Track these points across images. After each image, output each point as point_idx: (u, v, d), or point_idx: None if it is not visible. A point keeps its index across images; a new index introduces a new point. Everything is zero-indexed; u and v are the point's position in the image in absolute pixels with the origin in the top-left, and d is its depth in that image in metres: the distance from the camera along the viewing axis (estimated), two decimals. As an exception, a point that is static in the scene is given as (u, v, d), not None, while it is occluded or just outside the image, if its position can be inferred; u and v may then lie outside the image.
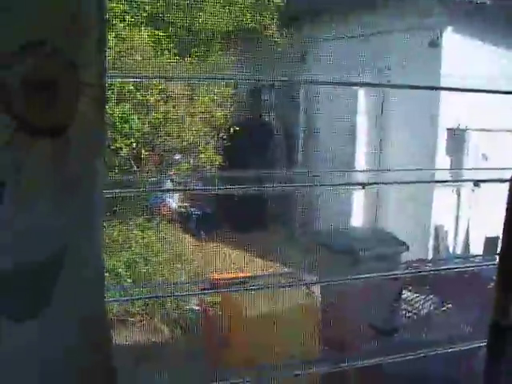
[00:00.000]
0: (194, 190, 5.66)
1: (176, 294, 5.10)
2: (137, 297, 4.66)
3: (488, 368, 1.34)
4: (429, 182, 4.80)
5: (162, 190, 6.31)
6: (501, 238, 1.36)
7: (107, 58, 1.04)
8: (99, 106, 1.00)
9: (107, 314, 1.13)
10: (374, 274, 4.41)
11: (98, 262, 1.06)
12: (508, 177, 1.41)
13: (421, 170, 5.71)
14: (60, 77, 0.92)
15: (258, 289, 4.29)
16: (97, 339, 1.06)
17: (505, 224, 1.33)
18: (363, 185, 5.74)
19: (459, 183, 7.77)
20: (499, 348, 1.32)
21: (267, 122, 9.91)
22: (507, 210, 1.32)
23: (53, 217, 0.94)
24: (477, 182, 5.05)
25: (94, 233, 1.03)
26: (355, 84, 7.57)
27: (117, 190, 4.08)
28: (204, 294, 4.98)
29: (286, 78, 7.55)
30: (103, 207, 1.07)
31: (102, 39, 1.00)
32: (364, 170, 8.34)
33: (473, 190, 8.07)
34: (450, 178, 8.17)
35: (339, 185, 4.78)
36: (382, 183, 6.27)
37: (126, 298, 5.20)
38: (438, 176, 7.79)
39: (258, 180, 5.53)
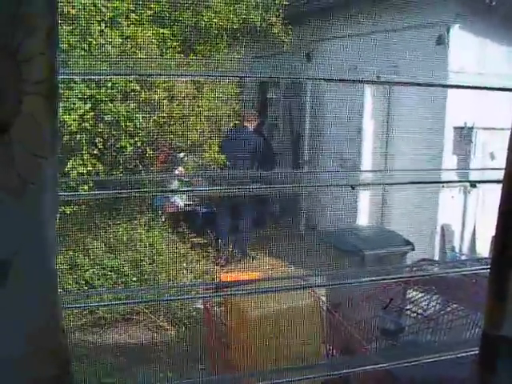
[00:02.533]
0: (196, 190, 5.60)
1: (181, 296, 5.05)
2: (141, 300, 4.62)
3: (478, 381, 1.28)
4: (427, 182, 4.73)
5: (166, 191, 6.27)
6: (492, 243, 1.30)
7: (58, 55, 0.98)
8: (48, 103, 0.96)
9: (61, 321, 1.07)
10: (380, 278, 4.36)
11: (50, 266, 1.02)
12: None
13: (425, 170, 5.65)
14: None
15: (264, 291, 4.23)
16: (50, 348, 1.01)
17: (497, 228, 1.28)
18: (368, 185, 5.71)
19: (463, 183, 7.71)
20: (490, 360, 1.25)
21: (273, 121, 9.89)
22: (500, 213, 1.26)
23: None
24: (473, 183, 5.00)
25: (44, 236, 0.99)
26: (360, 81, 7.50)
27: (123, 191, 4.04)
28: (208, 296, 4.93)
29: (291, 76, 7.50)
30: (55, 209, 1.02)
31: (51, 36, 0.95)
32: (368, 171, 8.28)
33: (469, 192, 8.03)
34: (455, 178, 8.10)
35: (342, 185, 4.72)
36: (386, 184, 6.22)
37: (132, 301, 5.17)
38: (444, 176, 7.75)
39: (263, 179, 5.50)
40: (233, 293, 4.59)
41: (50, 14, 0.95)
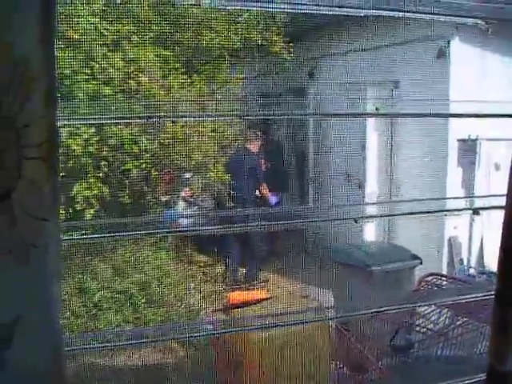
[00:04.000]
0: (196, 230, 5.57)
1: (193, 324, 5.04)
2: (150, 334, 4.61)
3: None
4: (429, 212, 4.73)
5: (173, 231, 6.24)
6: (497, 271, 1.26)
7: (57, 114, 0.97)
8: (48, 164, 0.95)
9: (64, 372, 1.06)
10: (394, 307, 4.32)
11: (55, 325, 1.01)
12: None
13: (427, 200, 5.66)
14: None
15: (279, 325, 4.19)
16: None
17: (499, 264, 1.24)
18: (373, 217, 5.73)
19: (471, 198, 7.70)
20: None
21: (276, 141, 9.85)
22: (502, 249, 1.24)
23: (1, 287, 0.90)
24: (477, 211, 5.00)
25: (48, 300, 0.98)
26: (362, 115, 7.49)
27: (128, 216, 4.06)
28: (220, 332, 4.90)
29: (293, 95, 7.52)
30: (59, 271, 1.02)
31: (50, 98, 0.94)
32: (370, 203, 8.23)
33: (473, 220, 8.02)
34: (462, 195, 8.08)
35: (343, 219, 4.71)
36: (392, 215, 6.21)
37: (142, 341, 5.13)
38: (449, 189, 7.76)
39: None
40: (248, 328, 4.53)
41: (49, 76, 0.93)
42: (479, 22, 3.82)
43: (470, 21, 3.85)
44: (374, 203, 8.19)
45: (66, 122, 4.07)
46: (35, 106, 0.92)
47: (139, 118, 4.74)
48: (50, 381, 0.99)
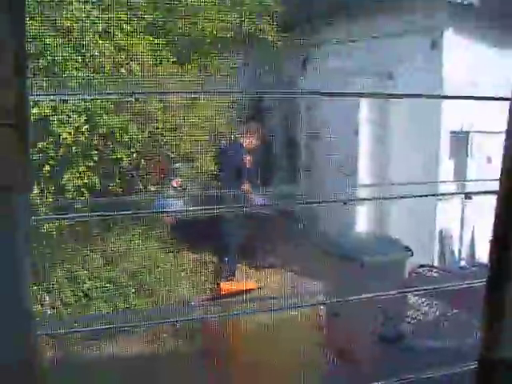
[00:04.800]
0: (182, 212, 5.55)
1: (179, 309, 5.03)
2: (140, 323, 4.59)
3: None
4: (422, 196, 4.71)
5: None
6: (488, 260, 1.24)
7: (27, 84, 0.92)
8: (18, 133, 0.91)
9: (37, 357, 1.01)
10: (382, 294, 4.32)
11: (22, 312, 0.96)
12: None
13: (423, 183, 5.64)
14: None
15: (270, 310, 4.17)
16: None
17: (492, 242, 1.24)
18: (367, 200, 5.71)
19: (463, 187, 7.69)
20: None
21: (267, 131, 9.77)
22: (495, 225, 1.22)
23: None
24: (469, 195, 5.00)
25: (17, 274, 0.93)
26: (357, 94, 7.46)
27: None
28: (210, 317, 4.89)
29: (285, 85, 7.50)
30: (27, 247, 0.97)
31: (19, 61, 0.90)
32: (366, 185, 8.21)
33: (465, 204, 8.02)
34: (453, 184, 8.08)
35: (336, 201, 4.70)
36: (384, 198, 6.21)
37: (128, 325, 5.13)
38: (441, 187, 7.77)
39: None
40: (238, 312, 4.52)
41: (17, 41, 0.89)
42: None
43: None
44: (368, 185, 8.19)
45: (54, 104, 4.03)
46: (2, 71, 0.88)
47: (125, 94, 4.69)
48: (18, 371, 0.94)
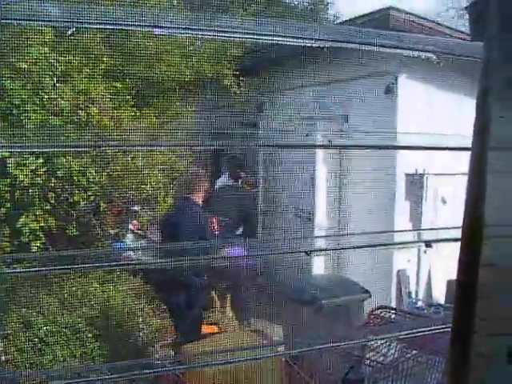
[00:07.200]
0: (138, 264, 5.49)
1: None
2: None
3: None
4: (381, 245, 4.78)
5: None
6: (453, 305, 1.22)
7: None
8: None
9: None
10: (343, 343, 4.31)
11: None
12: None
13: (378, 233, 5.72)
14: None
15: (230, 362, 4.10)
16: None
17: (458, 286, 1.23)
18: (325, 250, 5.76)
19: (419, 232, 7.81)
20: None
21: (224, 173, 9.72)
22: (459, 270, 1.21)
23: None
24: (429, 244, 5.09)
25: None
26: (310, 146, 7.51)
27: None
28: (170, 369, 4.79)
29: (242, 128, 7.54)
30: None
31: None
32: (321, 236, 8.24)
33: (425, 252, 8.15)
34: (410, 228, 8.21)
35: (296, 252, 4.71)
36: (340, 248, 6.27)
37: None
38: (397, 222, 7.89)
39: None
40: (198, 365, 4.44)
41: None
42: (430, 55, 3.91)
43: (422, 54, 3.93)
44: (324, 236, 8.23)
45: (12, 150, 3.99)
46: None
47: (87, 146, 4.67)
48: None
